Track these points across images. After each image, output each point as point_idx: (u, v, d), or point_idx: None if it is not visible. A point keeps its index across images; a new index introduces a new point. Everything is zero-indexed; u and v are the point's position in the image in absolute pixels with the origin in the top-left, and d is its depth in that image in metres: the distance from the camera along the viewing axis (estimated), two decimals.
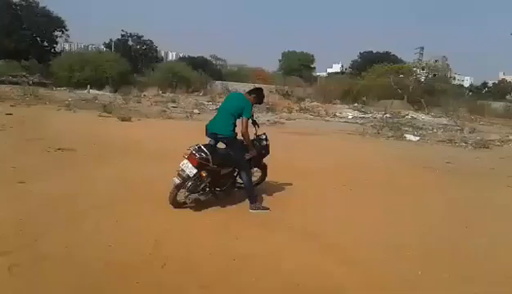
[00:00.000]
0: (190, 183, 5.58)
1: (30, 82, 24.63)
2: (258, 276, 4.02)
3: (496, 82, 61.60)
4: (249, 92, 6.21)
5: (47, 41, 44.69)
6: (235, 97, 6.27)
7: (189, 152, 5.61)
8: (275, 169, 7.09)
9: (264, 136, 6.52)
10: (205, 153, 5.56)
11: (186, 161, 5.54)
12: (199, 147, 5.64)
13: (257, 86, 5.91)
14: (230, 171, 6.07)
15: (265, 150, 6.47)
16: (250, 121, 6.01)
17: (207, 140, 5.90)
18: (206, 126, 6.03)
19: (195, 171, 5.47)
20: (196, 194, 5.75)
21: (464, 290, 4.07)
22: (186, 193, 5.65)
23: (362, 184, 7.96)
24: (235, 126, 5.95)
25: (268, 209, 5.93)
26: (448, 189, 8.14)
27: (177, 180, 5.52)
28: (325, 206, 6.51)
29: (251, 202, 5.90)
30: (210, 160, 5.56)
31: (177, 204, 5.65)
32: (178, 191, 5.60)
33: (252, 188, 6.01)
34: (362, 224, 5.69)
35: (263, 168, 6.75)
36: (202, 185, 5.72)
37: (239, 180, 6.24)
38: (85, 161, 8.28)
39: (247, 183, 5.95)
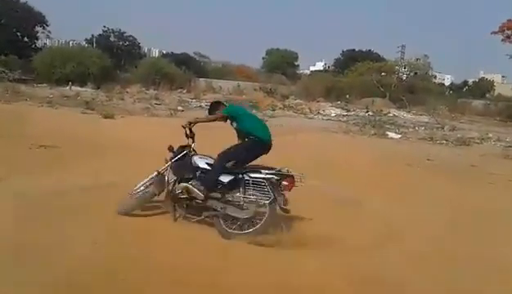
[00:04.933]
0: None
1: (10, 79, 24.16)
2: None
3: (477, 80, 62.54)
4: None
5: (28, 36, 43.83)
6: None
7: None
8: None
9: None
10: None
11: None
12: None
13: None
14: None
15: None
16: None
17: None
18: (267, 139, 5.36)
19: None
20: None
21: (451, 286, 4.19)
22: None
23: (344, 182, 8.02)
24: None
25: None
26: (430, 187, 8.30)
27: None
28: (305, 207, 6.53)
29: None
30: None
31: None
32: None
33: None
34: (342, 220, 5.76)
35: None
36: None
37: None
38: (67, 158, 8.19)
39: None
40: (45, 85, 29.47)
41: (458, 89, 55.35)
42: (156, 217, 5.35)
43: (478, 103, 38.36)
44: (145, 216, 5.36)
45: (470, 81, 62.70)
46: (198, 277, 3.94)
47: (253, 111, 22.97)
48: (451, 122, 23.08)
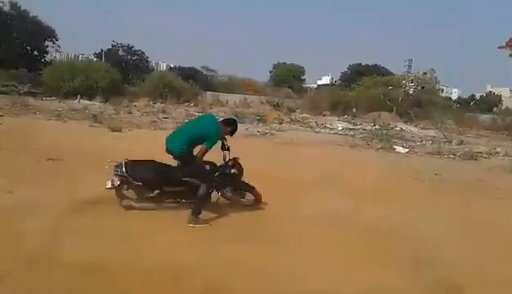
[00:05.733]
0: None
1: (20, 92, 24.42)
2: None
3: (484, 94, 62.40)
4: (227, 122, 6.17)
5: (38, 50, 44.42)
6: (204, 121, 6.27)
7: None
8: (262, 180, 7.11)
9: (231, 164, 6.23)
10: (122, 171, 5.81)
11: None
12: (119, 164, 5.92)
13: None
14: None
15: (230, 178, 6.26)
16: (219, 146, 6.11)
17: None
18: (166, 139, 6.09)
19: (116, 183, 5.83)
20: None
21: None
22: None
23: (352, 195, 8.01)
24: (190, 146, 5.86)
25: (208, 223, 5.77)
26: (437, 201, 8.25)
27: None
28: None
29: (192, 214, 5.68)
30: (128, 177, 5.81)
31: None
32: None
33: (201, 204, 5.79)
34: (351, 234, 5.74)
35: (251, 191, 6.52)
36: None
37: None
38: (75, 171, 8.23)
39: (201, 195, 5.75)
40: (54, 98, 29.78)
41: (465, 103, 55.19)
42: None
43: (485, 117, 38.18)
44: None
45: (478, 95, 62.60)
46: None
47: (260, 124, 23.10)
48: (458, 137, 22.95)
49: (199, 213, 5.74)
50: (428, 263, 4.99)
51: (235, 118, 6.46)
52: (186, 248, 4.90)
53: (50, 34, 44.54)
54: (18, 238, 4.74)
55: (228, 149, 6.24)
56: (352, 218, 6.48)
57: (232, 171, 6.25)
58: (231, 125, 6.10)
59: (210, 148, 5.75)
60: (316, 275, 4.43)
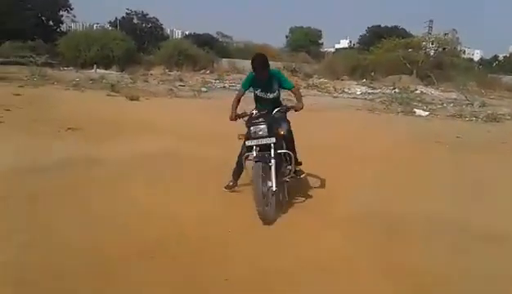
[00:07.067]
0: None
1: (38, 63, 24.54)
2: None
3: (507, 55, 60.43)
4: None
5: (53, 21, 44.41)
6: None
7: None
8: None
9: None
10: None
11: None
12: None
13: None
14: None
15: None
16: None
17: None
18: None
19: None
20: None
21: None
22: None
23: (375, 159, 7.94)
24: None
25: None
26: (459, 164, 8.10)
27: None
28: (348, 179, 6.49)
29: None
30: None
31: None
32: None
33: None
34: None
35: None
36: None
37: None
38: (95, 139, 8.30)
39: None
40: (71, 68, 29.95)
41: (488, 64, 53.59)
42: None
43: (509, 78, 37.02)
44: None
45: (501, 56, 60.71)
46: None
47: None
48: (480, 99, 22.37)
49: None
50: None
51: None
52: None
53: (64, 4, 44.42)
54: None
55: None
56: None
57: None
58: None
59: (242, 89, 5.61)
60: None
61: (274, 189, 4.84)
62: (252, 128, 5.00)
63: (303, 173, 5.71)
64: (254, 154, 4.96)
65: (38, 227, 4.31)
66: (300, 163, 5.65)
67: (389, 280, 3.70)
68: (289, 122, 5.53)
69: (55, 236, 4.14)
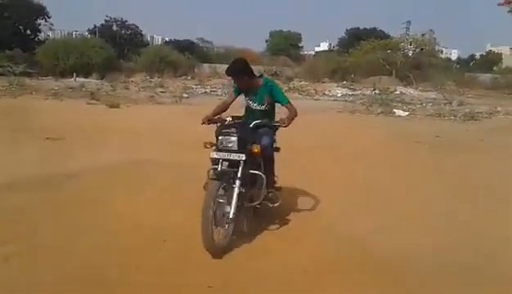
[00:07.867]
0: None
1: (16, 72, 24.19)
2: None
3: (484, 53, 61.63)
4: None
5: (30, 29, 43.78)
6: None
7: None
8: None
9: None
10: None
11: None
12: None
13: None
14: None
15: None
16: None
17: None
18: None
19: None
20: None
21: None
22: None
23: (355, 160, 8.01)
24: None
25: None
26: (438, 163, 8.23)
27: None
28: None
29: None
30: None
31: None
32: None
33: None
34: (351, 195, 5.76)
35: None
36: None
37: None
38: (74, 149, 8.21)
39: None
40: (50, 77, 29.54)
41: (465, 63, 54.51)
42: None
43: (485, 77, 37.78)
44: None
45: (477, 54, 61.85)
46: None
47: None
48: (458, 98, 22.81)
49: None
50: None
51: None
52: None
53: (41, 12, 43.82)
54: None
55: None
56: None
57: None
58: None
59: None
60: None
61: (231, 216, 4.01)
62: (220, 138, 4.20)
63: (278, 201, 4.64)
64: (219, 169, 4.19)
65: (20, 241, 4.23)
66: (278, 189, 4.77)
67: None
68: (273, 139, 4.73)
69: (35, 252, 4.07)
